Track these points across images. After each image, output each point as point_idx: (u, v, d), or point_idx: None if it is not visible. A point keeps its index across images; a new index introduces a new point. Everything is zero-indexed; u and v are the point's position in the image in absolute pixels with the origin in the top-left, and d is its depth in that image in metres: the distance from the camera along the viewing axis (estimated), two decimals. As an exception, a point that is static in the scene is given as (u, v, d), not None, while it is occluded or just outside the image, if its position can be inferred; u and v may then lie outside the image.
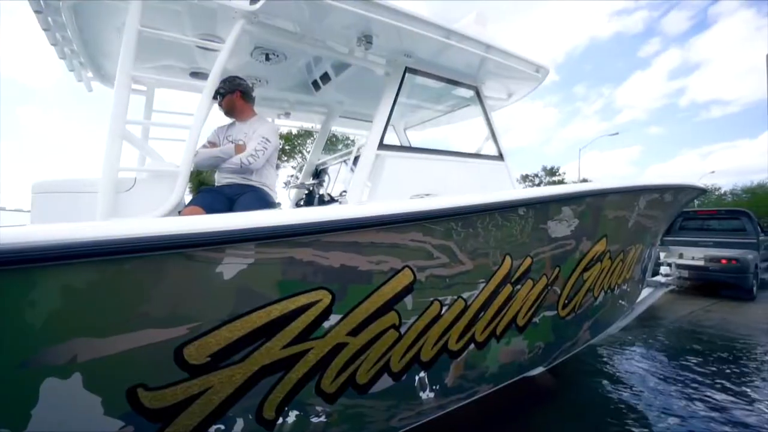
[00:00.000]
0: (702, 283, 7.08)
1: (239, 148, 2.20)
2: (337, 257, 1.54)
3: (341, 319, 1.58)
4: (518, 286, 2.24)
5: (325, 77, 3.27)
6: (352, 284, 1.60)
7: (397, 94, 2.78)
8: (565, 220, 2.46)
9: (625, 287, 3.45)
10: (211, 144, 2.36)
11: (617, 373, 3.70)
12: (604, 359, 4.10)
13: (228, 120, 2.55)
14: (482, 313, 2.08)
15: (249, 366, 1.41)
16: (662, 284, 6.12)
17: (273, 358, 1.45)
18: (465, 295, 1.98)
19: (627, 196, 2.93)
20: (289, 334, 1.47)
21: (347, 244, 1.56)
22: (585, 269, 2.75)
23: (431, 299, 1.85)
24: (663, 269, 6.60)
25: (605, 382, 3.49)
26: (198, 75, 2.91)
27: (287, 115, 3.87)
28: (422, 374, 1.89)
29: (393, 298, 1.71)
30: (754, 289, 6.74)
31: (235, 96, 2.33)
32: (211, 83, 2.03)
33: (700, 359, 4.12)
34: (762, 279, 7.26)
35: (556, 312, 2.57)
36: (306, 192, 3.55)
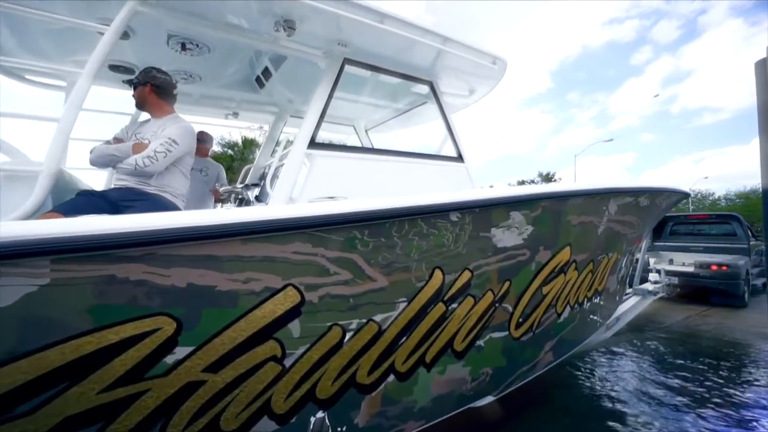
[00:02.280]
0: (692, 290, 6.58)
1: (138, 147, 1.85)
2: (183, 275, 1.17)
3: (193, 353, 1.21)
4: (454, 305, 1.85)
5: (267, 73, 2.93)
6: (208, 308, 1.23)
7: (333, 88, 2.42)
8: (515, 227, 2.07)
9: (597, 300, 3.04)
10: (116, 140, 2.01)
11: (612, 379, 3.26)
12: (599, 364, 3.66)
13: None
14: (404, 339, 1.69)
15: (46, 418, 1.03)
16: (650, 292, 5.66)
17: (87, 406, 1.08)
18: (378, 318, 1.59)
19: (592, 200, 2.54)
20: (112, 373, 1.10)
21: (198, 259, 1.19)
22: (544, 282, 2.35)
23: (328, 324, 1.47)
24: (652, 276, 6.14)
25: (600, 387, 3.08)
26: (118, 68, 2.59)
27: (235, 115, 3.53)
28: (320, 414, 1.50)
29: (271, 325, 1.33)
30: (746, 295, 6.22)
31: (146, 89, 1.98)
32: (88, 70, 1.69)
33: (700, 364, 3.67)
34: (753, 285, 6.74)
35: (507, 333, 2.17)
36: (239, 198, 3.22)
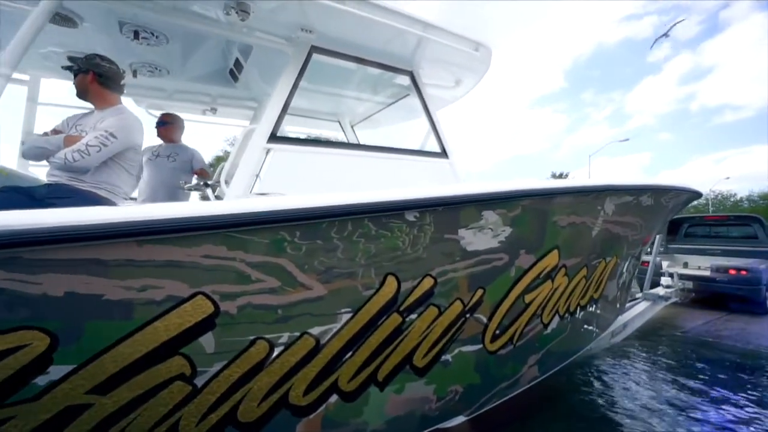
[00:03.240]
0: (708, 296, 6.10)
1: (69, 140, 1.70)
2: (58, 282, 0.99)
3: (73, 371, 1.03)
4: (412, 316, 1.62)
5: (239, 65, 2.76)
6: (93, 321, 1.05)
7: (297, 78, 2.23)
8: (488, 229, 1.83)
9: (593, 309, 2.75)
10: (54, 132, 1.87)
11: (632, 386, 2.98)
12: (620, 370, 3.36)
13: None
14: (349, 354, 1.47)
15: None
16: (661, 297, 5.27)
17: None
18: (315, 331, 1.38)
19: (583, 198, 2.27)
20: None
21: (79, 263, 1.01)
22: (527, 290, 2.09)
23: (251, 338, 1.27)
24: (664, 280, 5.72)
25: (620, 394, 2.82)
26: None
27: (213, 111, 3.38)
28: (244, 441, 1.30)
29: (177, 339, 1.14)
30: (767, 302, 5.74)
31: (88, 77, 1.83)
32: (9, 58, 1.54)
33: (723, 371, 3.33)
34: None
35: (481, 346, 1.93)
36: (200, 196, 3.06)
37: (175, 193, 2.56)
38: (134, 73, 2.56)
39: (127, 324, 1.07)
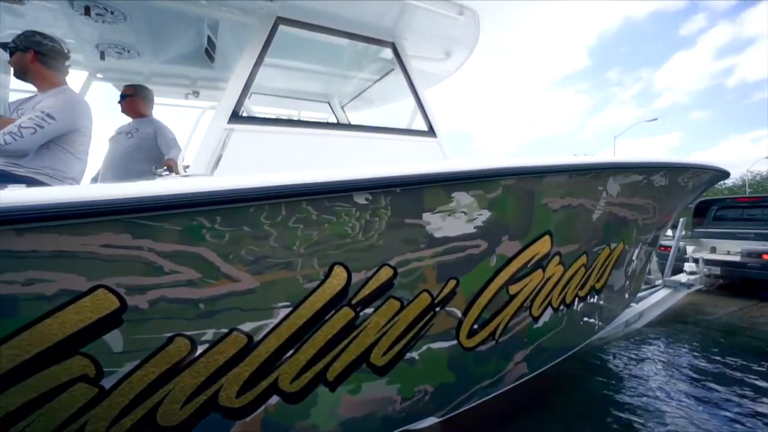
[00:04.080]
0: (737, 283, 5.55)
1: (3, 123, 1.59)
2: None
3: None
4: (368, 310, 1.45)
5: (212, 43, 2.60)
6: (-32, 320, 0.93)
7: (261, 53, 2.04)
8: (461, 213, 1.62)
9: (594, 300, 2.48)
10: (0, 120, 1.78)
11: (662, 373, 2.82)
12: (651, 355, 3.16)
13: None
14: (291, 352, 1.32)
15: None
16: (684, 284, 4.84)
17: None
18: (246, 327, 1.23)
19: (579, 178, 1.99)
20: None
21: (-56, 254, 0.89)
22: (512, 280, 1.87)
23: (168, 335, 1.13)
24: (687, 266, 5.26)
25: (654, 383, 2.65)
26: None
27: (196, 94, 3.25)
28: (166, 447, 1.18)
29: (76, 337, 1.01)
30: None
31: (28, 56, 1.72)
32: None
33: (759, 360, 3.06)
34: None
35: (455, 342, 1.73)
36: None
37: (128, 176, 2.21)
38: (101, 55, 2.44)
39: (11, 321, 0.95)
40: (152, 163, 2.26)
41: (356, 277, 1.39)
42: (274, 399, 1.31)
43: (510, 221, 1.80)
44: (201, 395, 1.19)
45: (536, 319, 2.05)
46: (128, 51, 2.54)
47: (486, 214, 1.69)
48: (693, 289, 4.93)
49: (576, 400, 2.47)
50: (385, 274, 1.45)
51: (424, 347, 1.62)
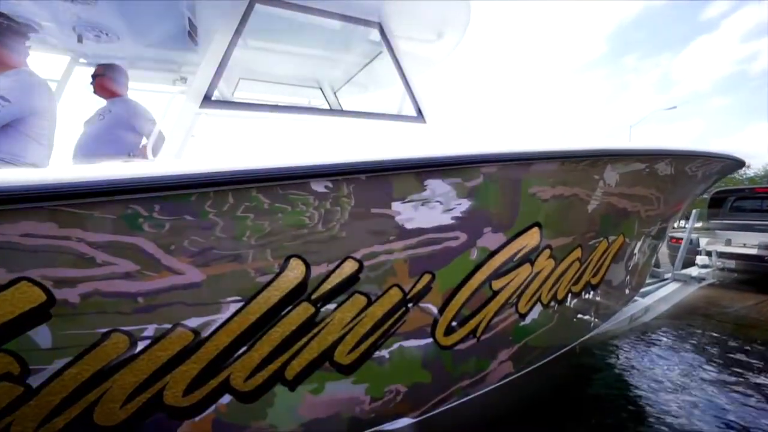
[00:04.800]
0: (754, 277, 5.26)
1: None
2: None
3: None
4: (330, 306, 1.35)
5: (193, 26, 2.50)
6: None
7: (236, 33, 1.93)
8: (436, 202, 1.50)
9: (589, 296, 2.34)
10: None
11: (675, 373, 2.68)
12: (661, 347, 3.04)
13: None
14: (244, 349, 1.24)
15: None
16: (694, 278, 4.61)
17: None
18: (192, 323, 1.15)
19: (572, 166, 1.84)
20: None
21: None
22: (495, 275, 1.75)
23: (104, 330, 1.05)
24: (700, 259, 5.00)
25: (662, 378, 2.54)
26: None
27: (183, 80, 3.15)
28: (106, 448, 1.12)
29: (-2, 333, 0.95)
30: None
31: None
32: None
33: None
34: None
35: (431, 340, 1.63)
36: None
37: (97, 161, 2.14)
38: (79, 38, 2.37)
39: None
40: (128, 146, 2.17)
41: (316, 271, 1.30)
42: (227, 398, 1.23)
43: (493, 212, 1.67)
44: (144, 394, 1.12)
45: (523, 316, 1.93)
46: (106, 34, 2.45)
47: (465, 204, 1.57)
48: (705, 283, 4.70)
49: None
50: (350, 267, 1.35)
51: (395, 345, 1.52)
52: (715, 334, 3.40)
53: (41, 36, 2.44)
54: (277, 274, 1.24)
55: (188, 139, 1.81)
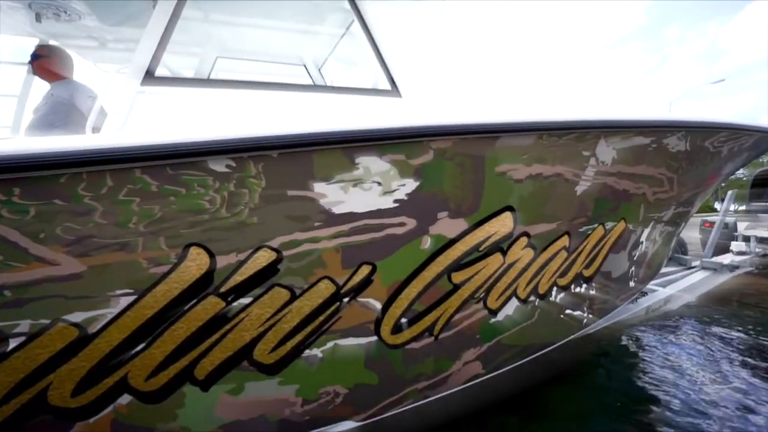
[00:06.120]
0: None
1: None
2: None
3: None
4: (243, 300, 1.21)
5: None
6: None
7: (178, 4, 1.78)
8: (373, 183, 1.31)
9: (580, 289, 2.07)
10: None
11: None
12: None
13: None
14: (142, 346, 1.13)
15: None
16: (726, 266, 4.12)
17: None
18: (75, 318, 1.04)
19: (553, 140, 1.58)
20: None
21: None
22: (456, 267, 1.55)
23: (-33, 327, 0.98)
24: (735, 245, 4.46)
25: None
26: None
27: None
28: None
29: None
30: None
31: None
32: None
33: None
34: None
35: (374, 338, 1.46)
36: None
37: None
38: (37, 17, 2.30)
39: None
40: (74, 130, 2.08)
41: (223, 261, 1.16)
42: (126, 398, 1.14)
43: (449, 194, 1.46)
44: (24, 394, 1.03)
45: (494, 313, 1.72)
46: (67, 12, 2.37)
47: (411, 185, 1.37)
48: (739, 271, 4.20)
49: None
50: (265, 257, 1.20)
51: (330, 344, 1.37)
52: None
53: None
54: (176, 265, 1.11)
55: (130, 117, 1.70)
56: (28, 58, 2.22)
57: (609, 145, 1.74)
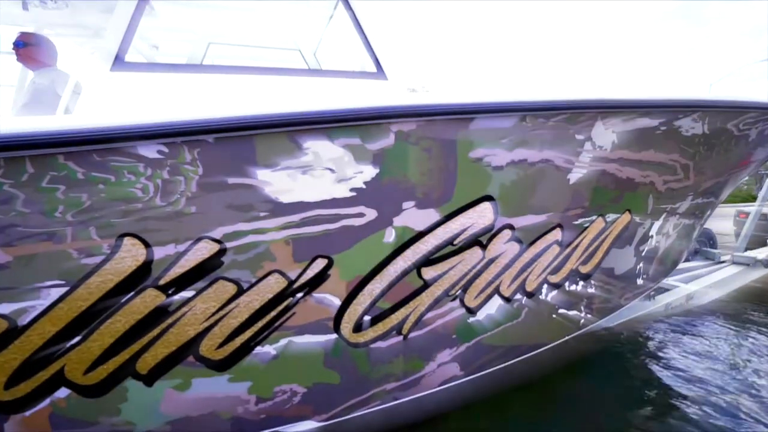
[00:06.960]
0: None
1: None
2: None
3: None
4: (185, 294, 1.15)
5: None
6: None
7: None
8: (325, 169, 1.21)
9: (576, 287, 1.89)
10: None
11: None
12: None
13: None
14: (77, 339, 1.09)
15: None
16: (761, 261, 3.75)
17: None
18: (3, 309, 1.02)
19: (538, 122, 1.42)
20: None
21: None
22: (426, 261, 1.44)
23: None
24: None
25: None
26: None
27: (155, 48, 3.07)
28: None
29: None
30: None
31: None
32: None
33: None
34: None
35: (334, 336, 1.38)
36: None
37: None
38: (24, 5, 2.32)
39: None
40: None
41: (161, 253, 1.10)
42: (64, 392, 1.12)
43: (416, 183, 1.34)
44: None
45: (472, 311, 1.60)
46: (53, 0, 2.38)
47: (370, 172, 1.26)
48: None
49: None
50: (206, 249, 1.14)
51: (284, 341, 1.31)
52: None
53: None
54: (109, 256, 1.06)
55: (101, 103, 1.68)
56: (11, 46, 2.23)
57: (608, 128, 1.56)
